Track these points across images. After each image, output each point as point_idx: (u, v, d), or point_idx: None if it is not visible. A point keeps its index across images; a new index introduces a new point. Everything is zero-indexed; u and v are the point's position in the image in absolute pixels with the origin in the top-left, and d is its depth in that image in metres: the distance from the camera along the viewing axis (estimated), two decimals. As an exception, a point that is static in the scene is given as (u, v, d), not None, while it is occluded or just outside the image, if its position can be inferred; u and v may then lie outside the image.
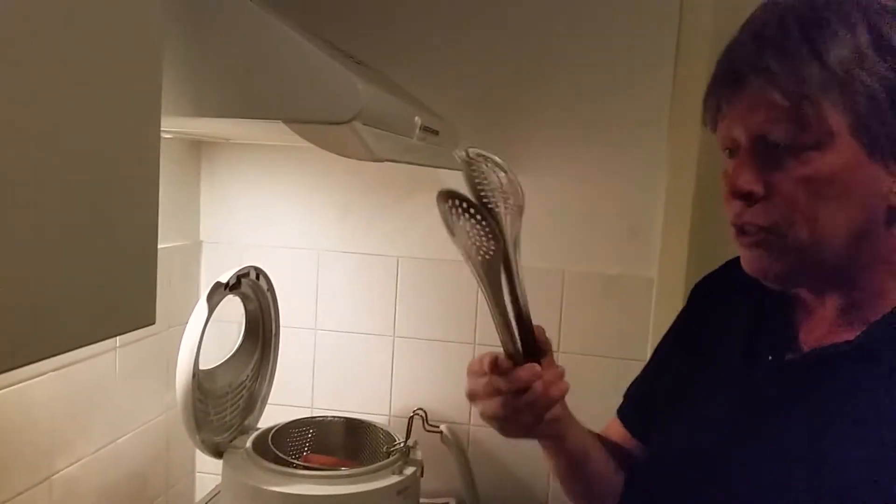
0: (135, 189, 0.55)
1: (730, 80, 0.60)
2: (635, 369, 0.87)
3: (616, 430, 0.84)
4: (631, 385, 0.86)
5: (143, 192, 0.56)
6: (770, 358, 0.65)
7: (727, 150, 0.63)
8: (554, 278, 1.26)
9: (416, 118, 0.88)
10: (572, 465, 0.77)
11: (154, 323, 0.67)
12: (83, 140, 0.46)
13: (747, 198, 0.59)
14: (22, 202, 0.42)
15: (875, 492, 0.54)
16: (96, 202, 0.48)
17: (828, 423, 0.58)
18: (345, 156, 0.74)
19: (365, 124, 0.67)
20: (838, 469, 0.56)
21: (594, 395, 0.91)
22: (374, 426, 1.05)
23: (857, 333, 0.59)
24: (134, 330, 0.62)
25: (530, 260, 1.26)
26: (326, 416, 1.08)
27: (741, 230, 0.61)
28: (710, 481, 0.64)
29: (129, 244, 0.56)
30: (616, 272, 1.24)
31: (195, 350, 0.88)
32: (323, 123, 0.64)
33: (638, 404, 0.84)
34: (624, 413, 0.85)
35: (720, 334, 0.72)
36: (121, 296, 0.59)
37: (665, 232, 1.18)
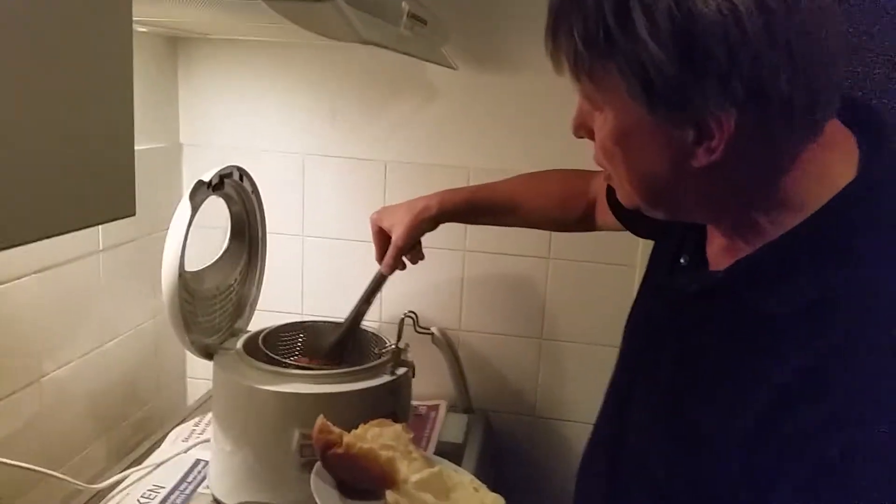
0: (108, 74, 0.52)
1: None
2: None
3: (603, 206, 0.92)
4: None
5: (117, 78, 0.53)
6: (683, 261, 0.67)
7: None
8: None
9: (404, 3, 0.82)
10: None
11: (134, 214, 0.64)
12: (49, 24, 0.43)
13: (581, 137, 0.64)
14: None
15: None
16: (68, 87, 0.46)
17: (690, 349, 0.62)
18: (330, 37, 0.70)
19: (348, 3, 0.63)
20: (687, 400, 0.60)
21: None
22: (365, 330, 1.05)
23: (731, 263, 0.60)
24: (114, 219, 0.60)
25: (517, 163, 1.24)
26: (317, 320, 1.07)
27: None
28: (619, 386, 0.73)
29: (105, 132, 0.54)
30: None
31: (180, 249, 0.85)
32: (305, 0, 0.60)
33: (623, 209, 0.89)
34: (609, 201, 0.90)
35: (667, 239, 0.74)
36: (99, 184, 0.57)
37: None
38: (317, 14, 0.62)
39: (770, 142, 0.54)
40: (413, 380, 0.98)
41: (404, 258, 1.00)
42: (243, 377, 0.88)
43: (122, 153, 0.59)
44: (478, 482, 0.81)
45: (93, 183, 0.55)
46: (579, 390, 1.28)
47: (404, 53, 0.89)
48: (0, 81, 0.39)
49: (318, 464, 0.75)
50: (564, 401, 1.29)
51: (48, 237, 0.51)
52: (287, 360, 0.94)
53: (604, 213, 0.93)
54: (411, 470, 0.75)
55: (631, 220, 0.86)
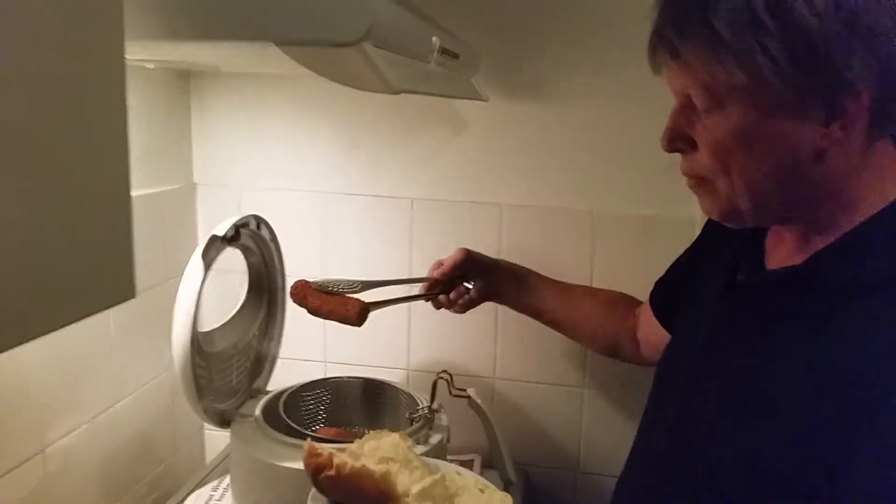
0: (99, 135, 0.44)
1: (651, 41, 0.64)
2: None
3: (646, 315, 0.94)
4: (660, 277, 0.93)
5: (109, 136, 0.45)
6: (739, 278, 0.71)
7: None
8: (582, 219, 1.15)
9: (434, 38, 0.74)
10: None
11: (134, 297, 0.56)
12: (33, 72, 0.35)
13: (680, 152, 0.66)
14: None
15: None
16: (51, 148, 0.38)
17: (768, 339, 0.64)
18: (352, 87, 0.62)
19: (377, 46, 0.54)
20: (772, 383, 0.61)
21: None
22: (396, 388, 0.96)
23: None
24: (111, 307, 0.52)
25: (552, 200, 1.15)
26: (342, 378, 0.99)
27: (684, 174, 0.67)
28: (675, 386, 0.74)
29: (96, 203, 0.46)
30: (653, 213, 1.12)
31: (192, 312, 0.78)
32: (325, 46, 0.52)
33: (662, 292, 0.92)
34: (652, 298, 0.93)
35: (719, 249, 0.77)
36: (93, 270, 0.48)
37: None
38: (341, 61, 0.54)
39: (881, 130, 0.59)
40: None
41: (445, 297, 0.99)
42: (262, 452, 0.80)
43: (119, 228, 0.51)
44: (483, 481, 0.75)
45: (85, 269, 0.47)
46: (626, 442, 1.18)
47: (433, 94, 0.81)
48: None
49: (313, 490, 0.70)
50: (610, 454, 1.19)
51: (38, 337, 0.44)
52: (310, 432, 0.86)
53: (646, 323, 0.95)
54: (412, 480, 0.70)
55: (666, 315, 0.90)
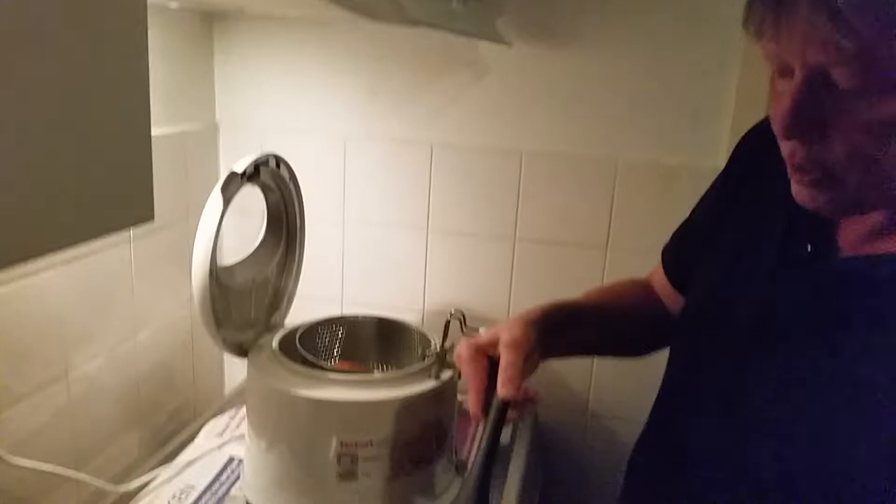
0: (120, 63, 0.45)
1: None
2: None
3: (658, 278, 0.87)
4: (675, 232, 0.86)
5: (130, 69, 0.47)
6: (809, 249, 0.62)
7: (775, 68, 0.54)
8: (605, 167, 1.14)
9: (457, -26, 0.74)
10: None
11: (153, 220, 0.58)
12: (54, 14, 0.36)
13: (800, 139, 0.52)
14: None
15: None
16: (76, 80, 0.39)
17: (851, 333, 0.56)
18: (372, 18, 0.62)
19: (397, -25, 0.54)
20: (856, 382, 0.55)
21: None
22: (409, 327, 0.98)
23: None
24: (130, 227, 0.54)
25: (574, 146, 1.14)
26: (358, 316, 1.01)
27: (798, 168, 0.55)
28: (724, 343, 0.66)
29: (117, 128, 0.48)
30: (676, 162, 1.11)
31: (210, 245, 0.79)
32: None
33: (677, 249, 0.85)
34: (665, 260, 0.87)
35: (760, 201, 0.69)
36: (112, 190, 0.50)
37: (737, 118, 1.04)
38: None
39: None
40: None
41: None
42: (279, 380, 0.82)
43: (138, 151, 0.53)
44: None
45: (105, 187, 0.49)
46: (635, 387, 1.19)
47: (454, 32, 0.80)
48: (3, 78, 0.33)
49: None
50: (618, 398, 1.21)
51: (54, 251, 0.45)
52: (325, 364, 0.88)
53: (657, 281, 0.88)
54: None
55: (679, 275, 0.84)
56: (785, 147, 0.55)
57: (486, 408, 0.67)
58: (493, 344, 0.69)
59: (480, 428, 0.68)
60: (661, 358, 0.80)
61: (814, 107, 0.50)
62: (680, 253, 0.85)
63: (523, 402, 0.70)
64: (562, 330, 0.76)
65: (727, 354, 0.67)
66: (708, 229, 0.77)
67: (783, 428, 0.60)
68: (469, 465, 0.68)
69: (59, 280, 0.90)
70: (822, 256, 0.61)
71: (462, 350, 0.71)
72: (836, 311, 0.58)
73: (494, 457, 0.67)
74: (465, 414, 1.17)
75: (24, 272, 0.84)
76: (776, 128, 0.53)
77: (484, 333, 0.72)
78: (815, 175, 0.54)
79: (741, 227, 0.71)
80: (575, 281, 1.09)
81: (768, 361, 0.62)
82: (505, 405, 0.67)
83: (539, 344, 0.70)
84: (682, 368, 0.75)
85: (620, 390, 1.21)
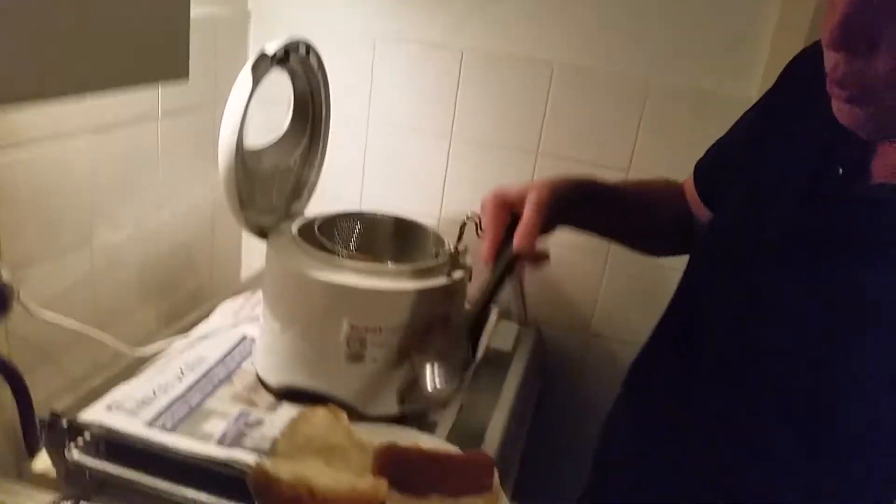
0: None
1: None
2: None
3: (689, 189, 0.87)
4: (710, 147, 0.85)
5: None
6: (840, 172, 0.62)
7: None
8: (635, 87, 1.13)
9: None
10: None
11: (187, 77, 0.59)
12: None
13: (846, 51, 0.52)
14: None
15: None
16: None
17: (874, 258, 0.57)
18: None
19: None
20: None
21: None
22: (425, 228, 0.99)
23: None
24: (163, 80, 0.55)
25: (607, 63, 1.13)
26: (376, 213, 1.02)
27: (837, 82, 0.54)
28: (751, 264, 0.67)
29: None
30: (708, 86, 1.10)
31: (238, 122, 0.80)
32: None
33: (711, 164, 0.84)
34: (697, 174, 0.86)
35: (800, 123, 0.69)
36: (149, 42, 0.51)
37: (775, 43, 1.02)
38: None
39: None
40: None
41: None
42: (296, 262, 0.85)
43: (176, 10, 0.53)
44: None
45: (142, 39, 0.50)
46: (639, 310, 1.21)
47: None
48: None
49: None
50: (622, 320, 1.23)
51: (91, 91, 0.47)
52: (342, 251, 0.90)
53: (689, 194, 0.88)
54: (359, 467, 0.69)
55: (709, 190, 0.84)
56: (829, 59, 0.54)
57: (497, 257, 0.72)
58: (520, 200, 0.72)
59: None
60: (670, 285, 0.81)
61: (867, 17, 0.50)
62: (714, 168, 0.85)
63: (534, 258, 0.72)
64: (587, 204, 0.78)
65: (750, 271, 0.68)
66: (745, 147, 0.77)
67: (797, 350, 0.62)
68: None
69: (86, 149, 0.91)
70: (853, 180, 0.61)
71: (487, 200, 0.75)
72: (862, 236, 0.59)
73: (492, 302, 0.76)
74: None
75: (54, 133, 0.85)
76: (825, 39, 0.53)
77: (513, 188, 0.74)
78: (852, 90, 0.53)
79: (778, 147, 0.71)
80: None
81: (791, 281, 0.64)
82: (514, 258, 0.71)
83: (562, 212, 0.73)
84: (699, 281, 0.77)
85: (625, 316, 1.24)
